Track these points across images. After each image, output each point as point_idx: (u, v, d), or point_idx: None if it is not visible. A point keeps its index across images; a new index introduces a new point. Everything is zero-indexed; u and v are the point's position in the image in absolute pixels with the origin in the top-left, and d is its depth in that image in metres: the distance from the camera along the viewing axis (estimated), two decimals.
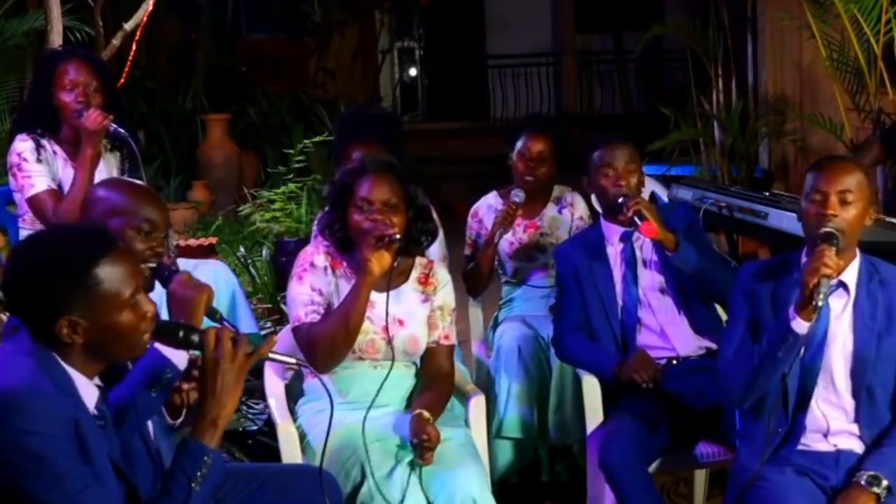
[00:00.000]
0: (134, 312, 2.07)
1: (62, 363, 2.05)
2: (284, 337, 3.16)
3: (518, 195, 3.96)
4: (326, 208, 3.13)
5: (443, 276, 3.15)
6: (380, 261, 2.90)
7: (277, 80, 11.83)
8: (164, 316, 2.62)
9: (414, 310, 3.06)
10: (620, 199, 3.34)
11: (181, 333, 2.21)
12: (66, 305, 2.00)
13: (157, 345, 2.32)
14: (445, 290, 3.13)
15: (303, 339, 2.96)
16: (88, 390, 2.09)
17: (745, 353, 2.75)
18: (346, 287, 3.01)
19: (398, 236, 2.92)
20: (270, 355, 2.24)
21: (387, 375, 2.98)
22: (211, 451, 2.12)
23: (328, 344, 2.92)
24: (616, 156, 3.41)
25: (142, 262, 2.58)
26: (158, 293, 2.62)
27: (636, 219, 3.28)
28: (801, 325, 2.61)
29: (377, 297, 3.00)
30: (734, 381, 2.77)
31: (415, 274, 3.12)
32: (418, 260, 3.14)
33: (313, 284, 3.02)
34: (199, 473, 2.09)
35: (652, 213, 3.30)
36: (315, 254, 3.08)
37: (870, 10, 5.57)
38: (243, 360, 2.15)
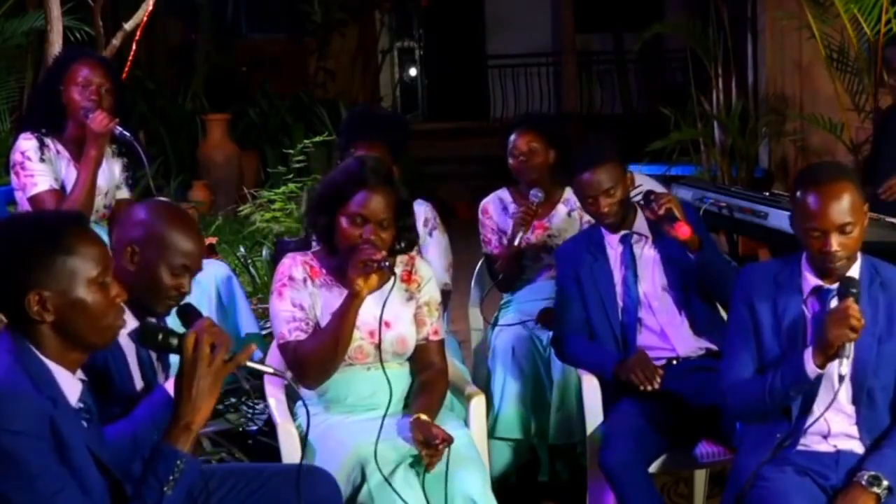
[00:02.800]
0: (102, 294, 2.08)
1: (41, 357, 2.04)
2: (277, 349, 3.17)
3: (537, 195, 3.96)
4: (315, 205, 3.06)
5: (425, 271, 3.12)
6: (368, 284, 2.87)
7: (277, 80, 11.83)
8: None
9: (399, 310, 3.04)
10: (651, 198, 3.29)
11: (160, 337, 2.24)
12: (35, 279, 2.01)
13: (167, 386, 2.32)
14: (429, 286, 3.11)
15: (290, 358, 2.94)
16: (70, 384, 2.08)
17: (753, 382, 2.76)
18: (326, 295, 2.99)
19: (387, 264, 2.87)
20: (248, 364, 2.25)
21: (390, 386, 2.97)
22: (184, 456, 2.11)
23: (318, 363, 2.90)
24: (592, 185, 3.32)
25: (165, 298, 2.54)
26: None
27: (668, 220, 3.24)
28: (816, 371, 2.62)
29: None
30: (740, 404, 2.81)
31: (397, 271, 3.06)
32: (399, 256, 3.08)
33: (294, 300, 2.98)
34: (171, 478, 2.08)
35: (681, 210, 3.26)
36: (293, 266, 3.03)
37: (870, 10, 5.57)
38: (220, 366, 2.17)
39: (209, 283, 3.90)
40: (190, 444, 2.13)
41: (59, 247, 2.04)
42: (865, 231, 2.71)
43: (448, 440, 2.77)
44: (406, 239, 3.06)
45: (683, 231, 3.22)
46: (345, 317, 2.88)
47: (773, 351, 2.77)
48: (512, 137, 4.05)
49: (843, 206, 2.63)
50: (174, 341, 2.22)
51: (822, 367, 2.61)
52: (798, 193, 2.71)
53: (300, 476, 2.50)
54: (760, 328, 2.78)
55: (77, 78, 3.77)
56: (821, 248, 2.65)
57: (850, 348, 2.58)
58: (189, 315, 2.50)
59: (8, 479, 1.91)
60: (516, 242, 3.92)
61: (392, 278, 2.96)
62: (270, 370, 2.42)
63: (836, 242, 2.63)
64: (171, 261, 2.53)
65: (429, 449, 2.75)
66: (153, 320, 2.52)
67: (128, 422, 2.34)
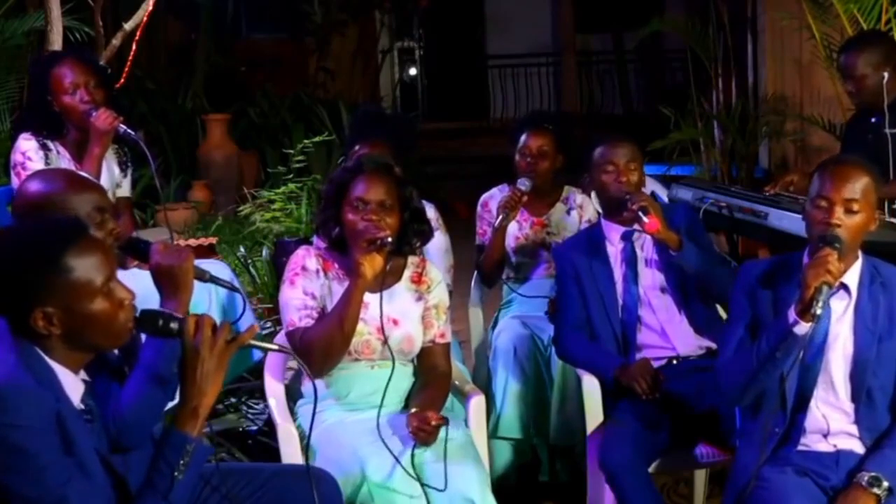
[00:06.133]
0: (109, 300, 2.07)
1: (44, 357, 2.04)
2: (281, 341, 3.16)
3: (524, 183, 3.99)
4: (321, 205, 3.13)
5: (435, 274, 3.16)
6: (371, 264, 2.90)
7: (277, 80, 11.83)
8: (154, 299, 2.57)
9: (408, 309, 3.07)
10: (627, 196, 3.34)
11: (160, 322, 2.18)
12: (39, 297, 2.00)
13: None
14: (439, 289, 3.14)
15: (297, 343, 2.95)
16: (73, 384, 2.09)
17: (743, 353, 2.76)
18: (338, 289, 3.01)
19: (389, 240, 2.92)
20: (251, 342, 2.22)
21: (389, 377, 2.99)
22: (193, 440, 2.11)
23: (323, 347, 2.92)
24: (617, 153, 3.42)
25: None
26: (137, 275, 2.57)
27: (640, 213, 3.28)
28: (801, 327, 2.60)
29: (370, 298, 3.00)
30: (732, 379, 2.78)
31: (407, 273, 3.12)
32: (410, 259, 3.13)
33: (306, 288, 3.02)
34: (181, 462, 2.09)
35: (657, 210, 3.30)
36: (307, 257, 3.07)
37: (870, 10, 5.56)
38: (223, 348, 2.13)
39: (210, 284, 3.90)
40: (198, 428, 2.12)
41: (59, 267, 2.02)
42: (869, 232, 2.73)
43: (442, 421, 2.79)
44: (416, 231, 3.08)
45: (651, 225, 3.27)
46: (350, 300, 2.90)
47: None
48: (524, 137, 4.07)
49: (856, 186, 2.68)
50: (174, 326, 2.16)
51: (801, 315, 2.59)
52: (817, 173, 2.76)
53: (310, 477, 2.49)
54: (760, 320, 2.78)
55: (64, 84, 3.74)
56: (822, 219, 2.68)
57: (825, 293, 2.58)
58: (140, 248, 2.52)
59: (16, 472, 1.93)
60: (497, 225, 3.95)
61: (399, 269, 3.01)
62: (275, 347, 2.38)
63: (838, 213, 2.66)
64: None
65: (424, 427, 2.77)
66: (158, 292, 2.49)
67: (141, 368, 2.31)
